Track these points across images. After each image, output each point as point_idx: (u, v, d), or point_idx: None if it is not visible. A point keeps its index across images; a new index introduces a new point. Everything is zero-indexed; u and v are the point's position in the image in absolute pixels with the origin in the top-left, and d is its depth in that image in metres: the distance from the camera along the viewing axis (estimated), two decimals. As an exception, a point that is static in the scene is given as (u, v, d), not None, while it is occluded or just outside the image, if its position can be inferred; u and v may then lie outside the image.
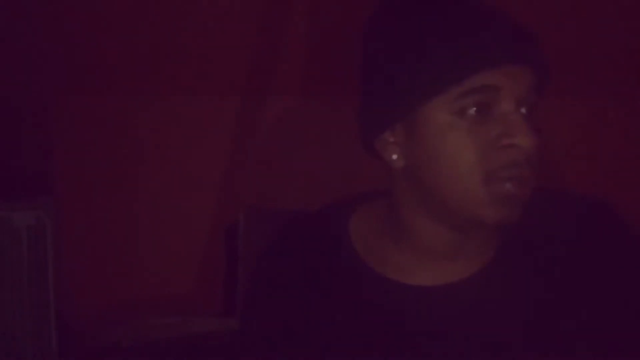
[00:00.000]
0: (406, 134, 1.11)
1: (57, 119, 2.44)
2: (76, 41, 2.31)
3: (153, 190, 2.45)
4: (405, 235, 1.13)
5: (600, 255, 1.13)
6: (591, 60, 2.23)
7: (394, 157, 1.11)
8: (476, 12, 1.08)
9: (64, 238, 2.37)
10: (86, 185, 2.44)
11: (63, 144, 2.45)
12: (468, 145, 1.05)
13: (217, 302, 2.34)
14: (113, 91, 2.42)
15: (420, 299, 1.12)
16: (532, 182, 1.08)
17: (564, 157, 2.31)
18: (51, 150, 2.44)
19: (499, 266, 1.13)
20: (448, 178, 1.07)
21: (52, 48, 2.31)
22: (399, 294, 1.13)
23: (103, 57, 2.33)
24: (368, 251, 1.16)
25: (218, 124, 2.42)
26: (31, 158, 2.42)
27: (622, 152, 2.32)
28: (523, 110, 1.07)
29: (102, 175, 2.44)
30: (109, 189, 2.45)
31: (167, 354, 1.95)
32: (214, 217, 2.44)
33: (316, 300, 1.15)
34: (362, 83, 1.13)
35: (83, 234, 2.43)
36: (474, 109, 1.05)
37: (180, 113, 2.43)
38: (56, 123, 2.44)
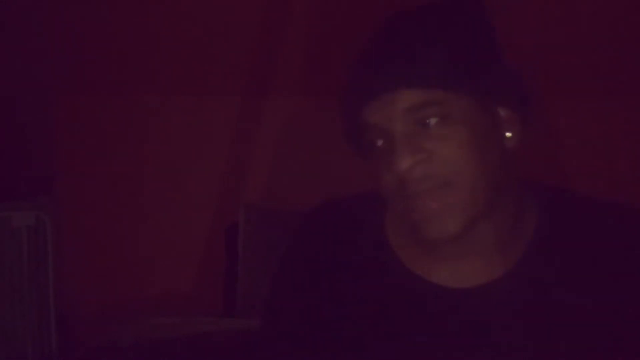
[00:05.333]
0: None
1: (58, 119, 2.45)
2: (76, 42, 2.31)
3: (153, 191, 2.45)
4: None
5: (632, 265, 1.11)
6: (597, 61, 2.23)
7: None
8: (377, 48, 1.12)
9: (64, 238, 2.38)
10: (86, 185, 2.44)
11: (63, 144, 2.45)
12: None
13: (217, 302, 2.34)
14: (113, 92, 2.42)
15: (442, 300, 1.12)
16: (445, 191, 1.07)
17: (573, 158, 2.32)
18: (51, 150, 2.44)
19: (523, 271, 1.12)
20: None
21: (53, 48, 2.31)
22: (421, 291, 1.13)
23: (103, 57, 2.34)
24: (399, 243, 1.17)
25: (218, 123, 2.42)
26: (31, 158, 2.43)
27: (631, 151, 2.32)
28: (424, 125, 1.09)
29: (102, 175, 2.44)
30: (109, 189, 2.45)
31: (167, 354, 1.95)
32: (214, 217, 2.44)
33: (342, 286, 1.16)
34: None
35: (83, 234, 2.43)
36: (372, 145, 1.12)
37: (180, 113, 2.43)
38: (56, 123, 2.45)
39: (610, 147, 2.35)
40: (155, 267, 2.43)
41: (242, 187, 2.44)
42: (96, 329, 2.27)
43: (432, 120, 1.08)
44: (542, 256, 1.13)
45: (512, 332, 1.11)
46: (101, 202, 2.44)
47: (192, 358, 1.94)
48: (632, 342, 1.11)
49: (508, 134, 1.12)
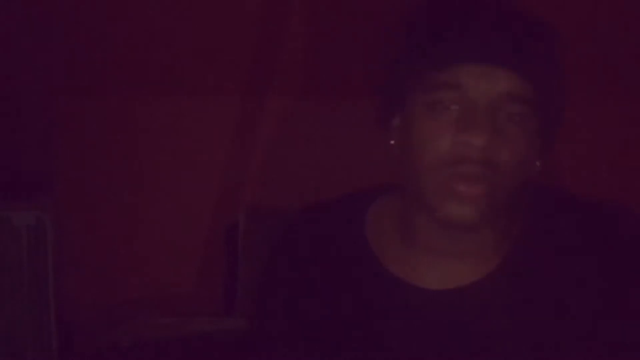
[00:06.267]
0: (401, 122, 1.14)
1: (57, 119, 2.44)
2: (76, 41, 2.31)
3: (153, 190, 2.45)
4: (410, 231, 1.15)
5: (615, 264, 1.12)
6: (600, 62, 2.23)
7: (392, 142, 1.15)
8: (474, 11, 1.08)
9: (64, 238, 2.37)
10: (86, 185, 2.44)
11: (63, 144, 2.45)
12: (427, 137, 1.09)
13: (217, 302, 2.34)
14: (113, 91, 2.42)
15: (423, 302, 1.13)
16: (493, 184, 1.07)
17: (576, 160, 2.32)
18: (51, 150, 2.44)
19: (506, 272, 1.13)
20: (411, 167, 1.12)
21: (52, 48, 2.31)
22: (404, 295, 1.14)
23: (103, 57, 2.33)
24: (381, 246, 1.17)
25: (218, 124, 2.42)
26: (31, 158, 2.42)
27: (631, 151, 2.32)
28: (503, 114, 1.06)
29: (102, 175, 2.44)
30: (109, 189, 2.45)
31: (167, 354, 1.95)
32: (214, 217, 2.44)
33: (326, 293, 1.16)
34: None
35: (83, 234, 2.43)
36: (439, 104, 1.08)
37: (180, 113, 2.43)
38: (56, 123, 2.44)
39: (610, 147, 2.35)
40: (155, 267, 2.43)
41: (242, 187, 2.44)
42: (96, 329, 2.27)
43: (516, 116, 1.07)
44: (525, 256, 1.14)
45: (496, 333, 1.12)
46: (101, 202, 2.44)
47: (192, 358, 1.94)
48: (616, 340, 1.12)
49: (537, 163, 1.12)
